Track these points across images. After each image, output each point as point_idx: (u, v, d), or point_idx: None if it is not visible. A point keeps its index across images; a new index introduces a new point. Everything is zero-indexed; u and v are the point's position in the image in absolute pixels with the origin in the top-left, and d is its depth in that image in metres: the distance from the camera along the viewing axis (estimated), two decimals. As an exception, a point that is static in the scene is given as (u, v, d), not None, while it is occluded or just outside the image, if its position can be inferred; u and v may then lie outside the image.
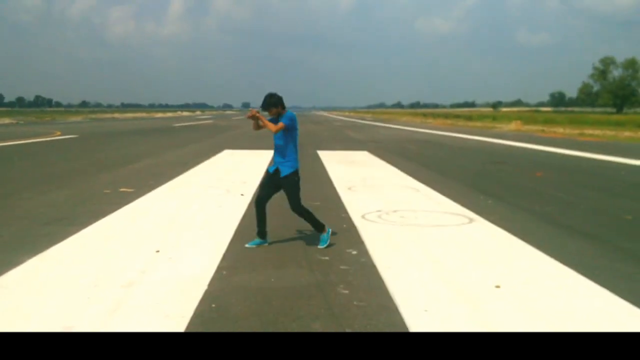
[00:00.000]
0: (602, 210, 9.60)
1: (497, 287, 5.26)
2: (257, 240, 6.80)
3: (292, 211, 6.85)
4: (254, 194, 10.57)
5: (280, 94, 6.74)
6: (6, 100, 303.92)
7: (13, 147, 23.21)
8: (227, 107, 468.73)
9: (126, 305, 4.71)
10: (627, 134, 34.56)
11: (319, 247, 6.66)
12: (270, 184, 6.84)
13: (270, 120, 6.71)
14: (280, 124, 6.63)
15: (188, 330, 4.22)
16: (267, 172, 6.94)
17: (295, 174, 6.73)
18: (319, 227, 6.80)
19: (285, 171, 6.69)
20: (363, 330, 4.27)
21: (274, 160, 6.87)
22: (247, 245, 6.72)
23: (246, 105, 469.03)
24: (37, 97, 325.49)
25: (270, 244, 6.79)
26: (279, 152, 6.78)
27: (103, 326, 4.25)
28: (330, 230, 6.82)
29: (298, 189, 6.77)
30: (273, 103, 6.64)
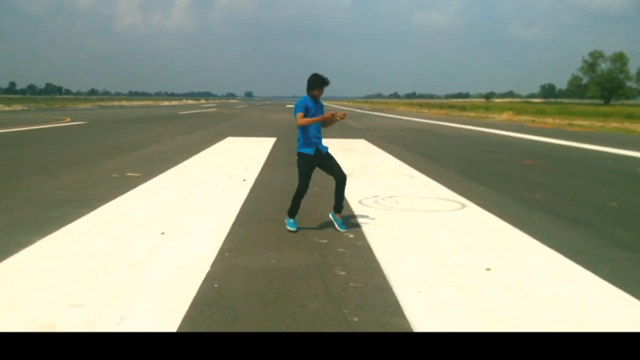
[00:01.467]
0: (589, 197, 9.61)
1: (488, 269, 5.27)
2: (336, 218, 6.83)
3: (344, 181, 6.87)
4: (256, 180, 10.58)
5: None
6: (18, 87, 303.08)
7: (25, 132, 23.16)
8: (231, 95, 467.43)
9: (132, 285, 4.72)
10: (613, 124, 34.53)
11: (340, 229, 6.71)
12: (313, 167, 6.75)
13: (318, 102, 6.65)
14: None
15: (191, 309, 4.23)
16: (310, 156, 6.66)
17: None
18: (292, 211, 6.76)
19: (325, 147, 6.80)
20: (358, 309, 4.29)
21: (306, 143, 6.65)
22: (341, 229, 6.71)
23: (249, 95, 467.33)
24: (48, 84, 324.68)
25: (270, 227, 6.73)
26: (319, 132, 6.74)
27: (110, 304, 4.26)
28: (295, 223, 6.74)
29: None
30: (326, 84, 6.53)
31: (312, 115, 6.54)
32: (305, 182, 6.68)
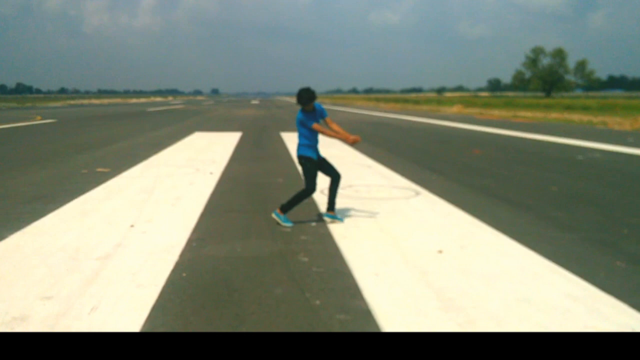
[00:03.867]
0: (532, 183, 9.81)
1: (440, 252, 5.34)
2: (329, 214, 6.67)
3: (338, 181, 6.69)
4: (222, 173, 10.48)
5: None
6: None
7: (-5, 131, 22.41)
8: (198, 92, 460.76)
9: (102, 276, 4.62)
10: (554, 115, 35.30)
11: (334, 217, 6.62)
12: (317, 169, 6.60)
13: (309, 113, 6.42)
14: (328, 119, 6.52)
15: (160, 298, 4.17)
16: (313, 160, 6.53)
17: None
18: (287, 207, 6.57)
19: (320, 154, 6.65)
20: (320, 293, 4.29)
21: (311, 148, 6.53)
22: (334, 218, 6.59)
23: (215, 91, 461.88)
24: (18, 84, 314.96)
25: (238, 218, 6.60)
26: (315, 140, 6.53)
27: (81, 295, 4.17)
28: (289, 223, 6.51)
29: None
30: (314, 98, 6.34)
31: (309, 123, 6.41)
32: (314, 184, 6.53)
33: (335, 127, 6.55)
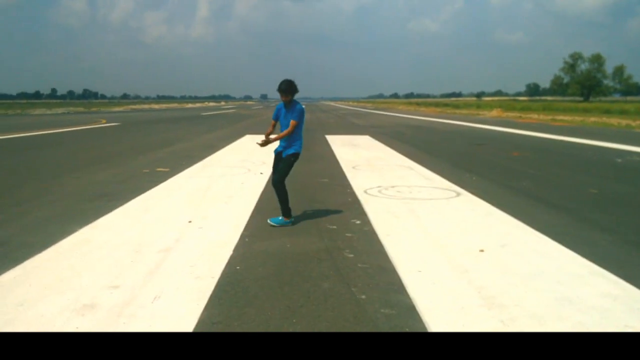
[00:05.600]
0: (571, 185, 9.52)
1: (481, 251, 5.24)
2: (280, 218, 6.38)
3: (272, 185, 6.49)
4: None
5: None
6: (58, 93, 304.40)
7: (65, 133, 23.26)
8: (248, 97, 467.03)
9: (163, 268, 4.73)
10: (592, 119, 34.19)
11: (268, 221, 6.35)
12: (278, 163, 6.53)
13: (284, 106, 6.35)
14: (292, 122, 6.26)
15: (217, 289, 4.24)
16: (275, 153, 6.55)
17: (293, 156, 6.43)
18: (286, 211, 6.38)
19: (287, 152, 6.43)
20: (366, 287, 4.28)
21: (280, 144, 6.48)
22: (269, 222, 6.33)
23: (264, 97, 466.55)
24: (85, 90, 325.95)
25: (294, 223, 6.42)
26: (286, 139, 6.40)
27: (144, 285, 4.28)
28: (291, 221, 6.39)
29: (290, 168, 6.46)
30: (293, 91, 6.22)
31: (283, 117, 6.39)
32: (273, 175, 6.55)
33: (284, 132, 6.36)
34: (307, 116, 6.84)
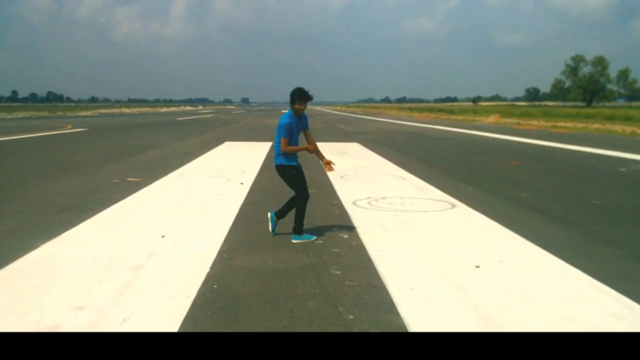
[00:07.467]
0: (573, 196, 9.64)
1: (477, 267, 5.28)
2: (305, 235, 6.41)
3: (304, 201, 6.47)
4: (253, 183, 10.57)
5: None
6: (20, 96, 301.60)
7: (28, 139, 23.05)
8: (228, 101, 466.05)
9: (134, 287, 4.70)
10: (595, 125, 34.68)
11: (292, 240, 6.32)
12: (303, 174, 6.54)
13: (297, 116, 6.34)
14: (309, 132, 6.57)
15: (192, 310, 4.22)
16: (297, 167, 6.43)
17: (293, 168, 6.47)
18: (300, 225, 6.40)
19: (291, 164, 6.48)
20: (354, 307, 4.28)
21: (296, 156, 6.46)
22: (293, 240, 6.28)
23: (245, 100, 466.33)
24: (49, 93, 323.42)
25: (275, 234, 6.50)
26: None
27: (113, 306, 4.24)
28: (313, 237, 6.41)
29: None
30: (309, 99, 6.28)
31: (296, 130, 6.35)
32: (306, 189, 6.46)
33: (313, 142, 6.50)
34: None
